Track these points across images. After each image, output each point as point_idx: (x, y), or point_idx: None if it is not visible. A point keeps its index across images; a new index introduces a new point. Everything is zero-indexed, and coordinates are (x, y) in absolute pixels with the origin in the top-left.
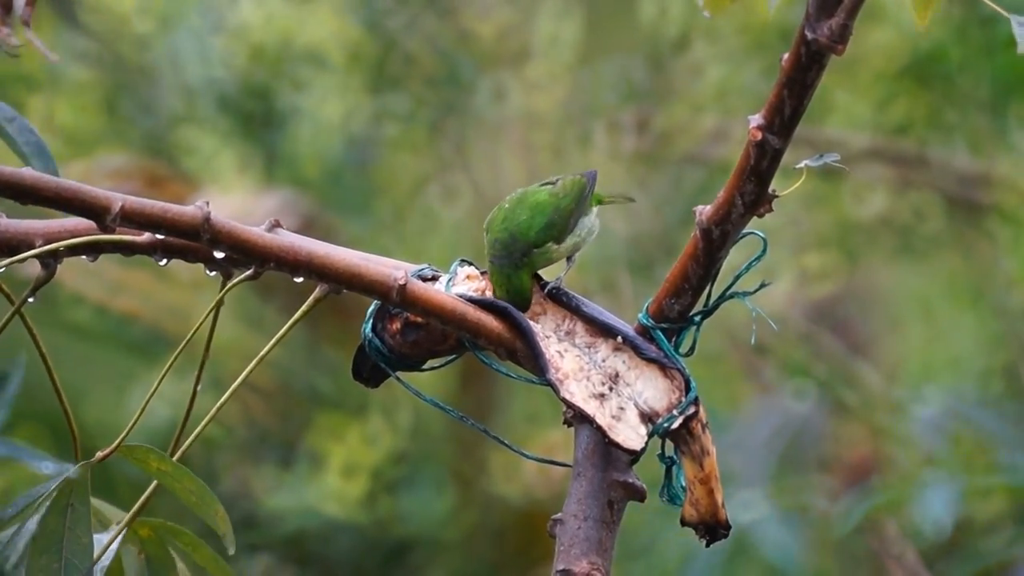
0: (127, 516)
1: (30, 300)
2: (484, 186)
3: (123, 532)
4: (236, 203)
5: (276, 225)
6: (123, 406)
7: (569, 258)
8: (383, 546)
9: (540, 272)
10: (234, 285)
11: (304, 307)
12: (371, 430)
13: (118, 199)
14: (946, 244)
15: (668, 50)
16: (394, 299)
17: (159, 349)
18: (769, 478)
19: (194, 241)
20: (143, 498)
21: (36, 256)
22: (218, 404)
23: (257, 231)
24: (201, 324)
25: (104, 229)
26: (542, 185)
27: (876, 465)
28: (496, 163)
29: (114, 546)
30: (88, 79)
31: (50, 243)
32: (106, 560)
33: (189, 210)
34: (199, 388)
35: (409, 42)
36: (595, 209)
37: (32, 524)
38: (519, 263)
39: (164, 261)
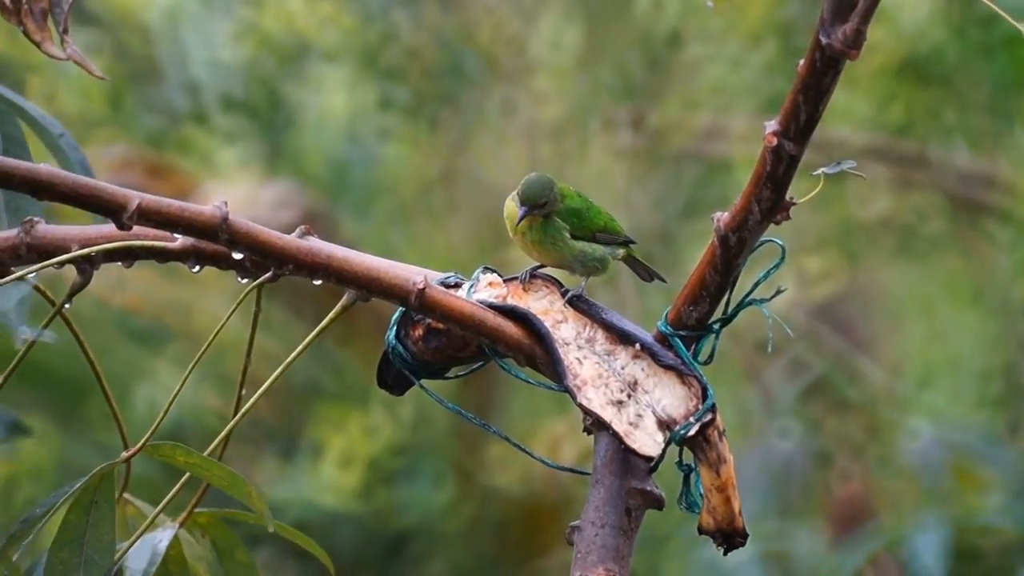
0: (187, 508)
1: (67, 305)
2: (486, 183)
3: (182, 523)
4: (237, 194)
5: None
6: (128, 400)
7: (573, 267)
8: (383, 538)
9: (560, 279)
10: (253, 287)
11: (331, 314)
12: (372, 422)
13: (135, 197)
14: (946, 244)
15: (663, 47)
16: (413, 303)
17: (162, 342)
18: (755, 519)
19: (212, 241)
20: (200, 491)
21: (71, 261)
22: (247, 406)
23: (276, 232)
24: (223, 326)
25: (121, 226)
26: None
27: (866, 502)
28: (499, 160)
29: (164, 542)
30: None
31: (86, 248)
32: (158, 556)
33: (207, 210)
34: (243, 392)
35: (411, 33)
36: (619, 252)
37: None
38: (545, 206)
39: (197, 268)
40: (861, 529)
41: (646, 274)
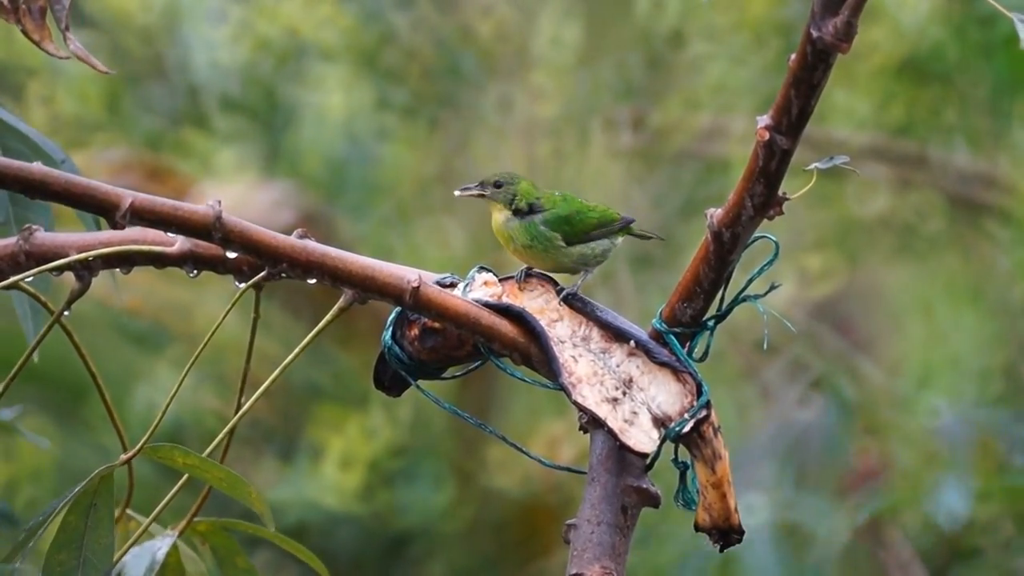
0: (187, 514)
1: (66, 313)
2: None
3: (181, 532)
4: (234, 195)
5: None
6: (127, 401)
7: (582, 270)
8: (383, 539)
9: (557, 278)
10: (248, 287)
11: (329, 315)
12: (371, 423)
13: (128, 196)
14: (946, 244)
15: (664, 47)
16: (407, 302)
17: (161, 344)
18: (771, 489)
19: (205, 240)
20: (200, 497)
21: (68, 266)
22: (245, 408)
23: (269, 231)
24: (218, 326)
25: (114, 225)
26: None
27: (885, 472)
28: (497, 159)
29: (163, 549)
30: (91, 71)
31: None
32: (157, 564)
33: (200, 209)
34: (243, 397)
35: (409, 34)
36: (619, 240)
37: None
38: (529, 211)
39: (194, 273)
40: (875, 489)
41: (648, 238)
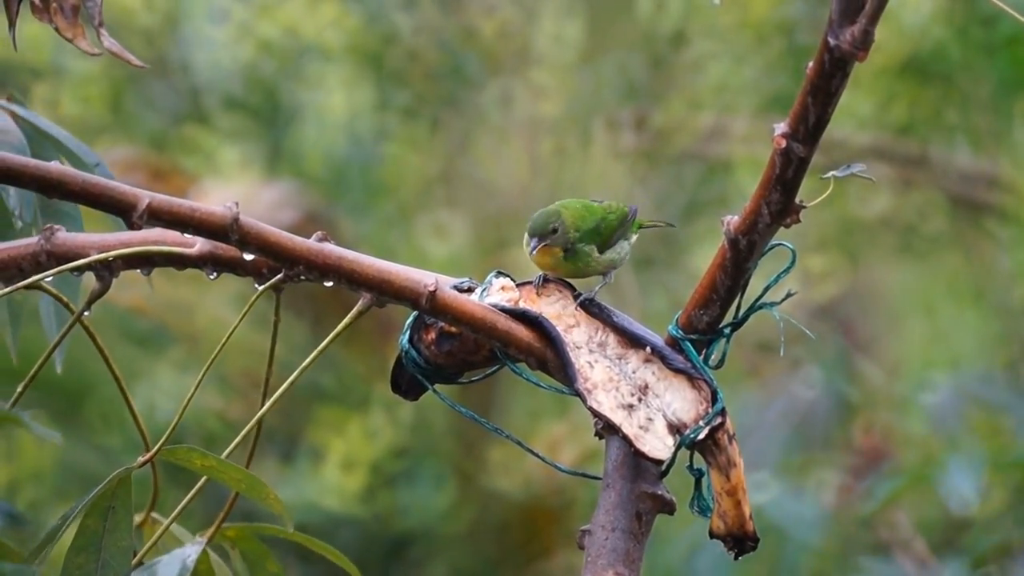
0: (215, 522)
1: (86, 313)
2: (487, 183)
3: (210, 538)
4: (237, 195)
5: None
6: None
7: (604, 274)
8: (384, 540)
9: (575, 283)
10: (265, 289)
11: (346, 320)
12: (372, 425)
13: (145, 196)
14: (947, 244)
15: (666, 47)
16: (424, 306)
17: (163, 345)
18: (778, 463)
19: (222, 241)
20: (228, 503)
21: (89, 267)
22: (261, 412)
23: (286, 234)
24: (234, 330)
25: (131, 226)
26: (591, 200)
27: (887, 452)
28: (499, 160)
29: (193, 556)
30: (94, 71)
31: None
32: (187, 571)
33: (218, 210)
34: (260, 400)
35: (412, 35)
36: (634, 236)
37: (73, 528)
38: (556, 232)
39: (214, 275)
40: (882, 469)
41: (659, 227)
